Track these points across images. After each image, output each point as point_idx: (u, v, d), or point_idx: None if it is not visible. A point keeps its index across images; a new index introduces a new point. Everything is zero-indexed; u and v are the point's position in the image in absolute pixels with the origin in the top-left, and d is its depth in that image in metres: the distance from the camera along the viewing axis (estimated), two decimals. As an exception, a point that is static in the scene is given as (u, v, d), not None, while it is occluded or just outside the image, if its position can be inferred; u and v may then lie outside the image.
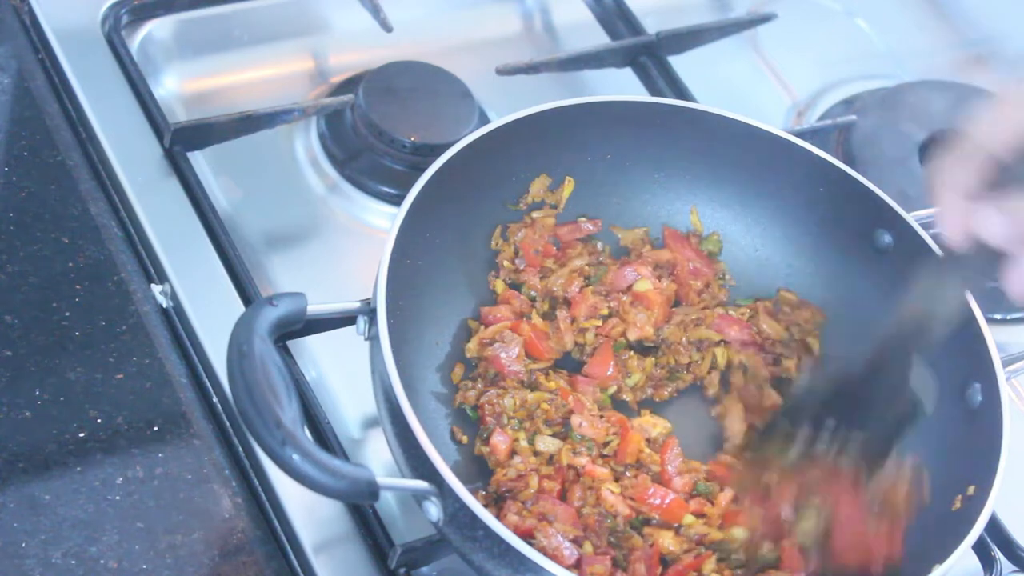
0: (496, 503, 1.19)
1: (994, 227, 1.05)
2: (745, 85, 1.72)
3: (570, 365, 1.31)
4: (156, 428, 1.21)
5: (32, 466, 1.16)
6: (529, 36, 1.70)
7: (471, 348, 1.28)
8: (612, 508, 1.20)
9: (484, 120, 1.52)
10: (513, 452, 1.22)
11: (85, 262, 1.30)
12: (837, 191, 1.34)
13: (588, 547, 1.16)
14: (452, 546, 1.09)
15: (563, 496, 1.20)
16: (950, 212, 1.07)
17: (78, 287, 1.28)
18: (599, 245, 1.38)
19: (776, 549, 1.19)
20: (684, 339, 1.33)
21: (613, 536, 1.19)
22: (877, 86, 1.75)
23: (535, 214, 1.35)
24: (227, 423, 1.24)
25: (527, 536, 1.12)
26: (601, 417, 1.25)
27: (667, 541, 1.19)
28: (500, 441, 1.22)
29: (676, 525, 1.21)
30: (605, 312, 1.32)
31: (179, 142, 1.40)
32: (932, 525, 1.21)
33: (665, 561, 1.19)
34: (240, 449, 1.23)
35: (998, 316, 1.53)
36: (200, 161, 1.42)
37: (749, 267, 1.40)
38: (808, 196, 1.36)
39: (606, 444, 1.24)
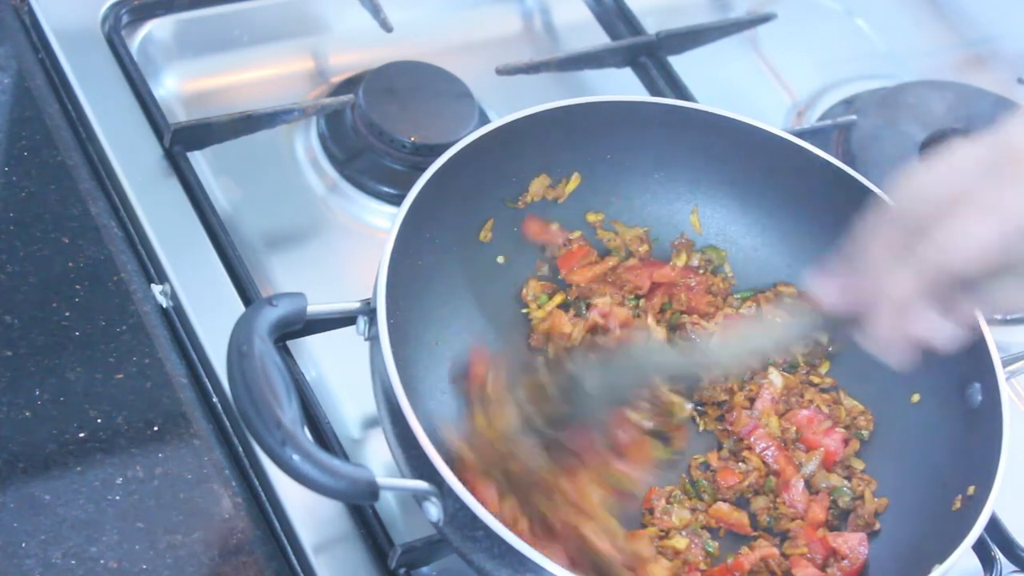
0: None
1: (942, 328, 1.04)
2: (745, 85, 1.72)
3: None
4: (156, 428, 1.21)
5: (32, 466, 1.16)
6: (529, 36, 1.70)
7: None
8: (606, 555, 1.16)
9: (484, 120, 1.52)
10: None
11: (85, 262, 1.30)
12: (837, 191, 1.34)
13: None
14: (452, 546, 1.09)
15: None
16: (891, 328, 1.05)
17: (78, 287, 1.28)
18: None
19: None
20: None
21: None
22: (877, 86, 1.75)
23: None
24: (227, 423, 1.24)
25: None
26: None
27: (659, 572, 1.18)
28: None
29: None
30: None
31: (179, 142, 1.40)
32: (932, 525, 1.21)
33: None
34: (240, 449, 1.23)
35: (998, 316, 1.53)
36: (200, 161, 1.42)
37: (749, 267, 1.40)
38: (808, 196, 1.36)
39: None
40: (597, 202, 1.39)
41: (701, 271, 1.39)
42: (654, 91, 1.59)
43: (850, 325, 1.08)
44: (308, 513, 1.19)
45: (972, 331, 1.06)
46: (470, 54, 1.61)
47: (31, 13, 1.48)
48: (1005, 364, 1.25)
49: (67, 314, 1.25)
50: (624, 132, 1.36)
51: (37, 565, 1.11)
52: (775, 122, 1.66)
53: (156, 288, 1.30)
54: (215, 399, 1.25)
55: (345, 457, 1.22)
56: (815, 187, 1.36)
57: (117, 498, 1.16)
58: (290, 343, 1.28)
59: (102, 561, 1.12)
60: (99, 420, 1.20)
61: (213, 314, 1.28)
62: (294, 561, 1.18)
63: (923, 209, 1.01)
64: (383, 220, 1.45)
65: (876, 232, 1.04)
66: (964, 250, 0.99)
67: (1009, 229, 0.98)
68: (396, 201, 1.39)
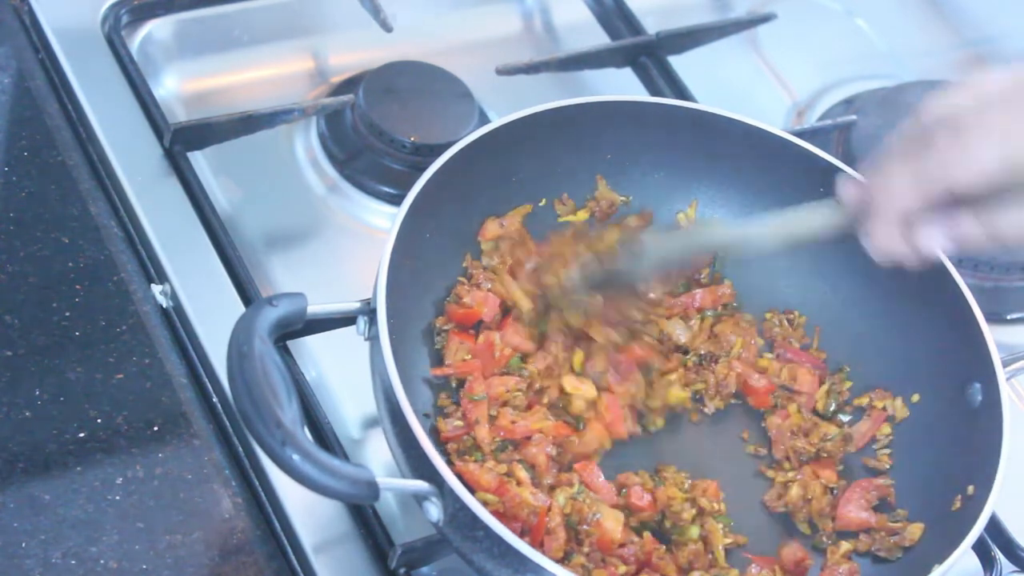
0: None
1: (939, 242, 1.09)
2: (745, 85, 1.72)
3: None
4: (156, 428, 1.21)
5: (32, 466, 1.16)
6: (529, 36, 1.70)
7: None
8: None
9: (484, 120, 1.52)
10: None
11: (85, 262, 1.30)
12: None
13: None
14: (452, 546, 1.09)
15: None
16: (888, 231, 1.10)
17: (78, 287, 1.28)
18: None
19: None
20: None
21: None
22: (877, 86, 1.75)
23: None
24: (227, 423, 1.24)
25: None
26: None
27: None
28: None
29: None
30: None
31: (179, 142, 1.40)
32: (932, 525, 1.21)
33: None
34: (240, 449, 1.23)
35: (998, 316, 1.53)
36: (200, 161, 1.42)
37: (749, 268, 1.40)
38: (808, 196, 1.35)
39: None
40: (597, 202, 1.39)
41: None
42: (654, 91, 1.59)
43: (860, 224, 1.14)
44: (308, 513, 1.19)
45: (961, 251, 1.12)
46: (470, 54, 1.61)
47: (31, 13, 1.48)
48: (1005, 364, 1.25)
49: (67, 314, 1.25)
50: (624, 132, 1.36)
51: (37, 565, 1.11)
52: (775, 122, 1.66)
53: (156, 288, 1.30)
54: (215, 399, 1.25)
55: (345, 457, 1.22)
56: (815, 187, 1.35)
57: (117, 498, 1.16)
58: (290, 343, 1.28)
59: (102, 561, 1.12)
60: (99, 420, 1.20)
61: (213, 314, 1.28)
62: (294, 561, 1.18)
63: (937, 126, 1.06)
64: (383, 220, 1.45)
65: (896, 143, 1.11)
66: (963, 168, 1.04)
67: (1009, 154, 1.03)
68: (396, 201, 1.39)
